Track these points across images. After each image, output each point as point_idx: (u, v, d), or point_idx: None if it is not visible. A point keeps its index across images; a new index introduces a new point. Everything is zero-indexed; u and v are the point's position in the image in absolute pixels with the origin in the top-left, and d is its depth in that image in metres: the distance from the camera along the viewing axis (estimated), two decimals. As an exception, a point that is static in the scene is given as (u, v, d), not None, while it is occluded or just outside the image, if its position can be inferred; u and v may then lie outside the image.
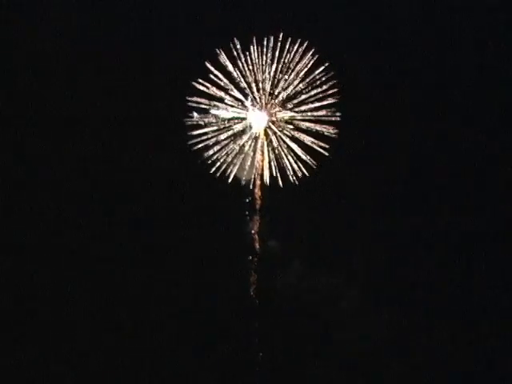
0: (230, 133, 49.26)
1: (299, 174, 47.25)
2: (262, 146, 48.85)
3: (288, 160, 47.91)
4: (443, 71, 41.58)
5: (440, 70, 41.61)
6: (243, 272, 43.56)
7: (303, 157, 47.37)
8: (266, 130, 49.21)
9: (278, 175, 47.48)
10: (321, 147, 46.82)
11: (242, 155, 48.41)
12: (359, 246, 41.62)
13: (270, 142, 49.18)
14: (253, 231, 48.07)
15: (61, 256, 40.66)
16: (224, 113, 49.22)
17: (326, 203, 45.04)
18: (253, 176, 47.99)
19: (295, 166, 47.42)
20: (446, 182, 41.30)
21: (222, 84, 48.36)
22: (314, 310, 41.30)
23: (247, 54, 48.06)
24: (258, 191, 48.57)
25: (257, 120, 49.21)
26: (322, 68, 47.63)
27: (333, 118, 47.61)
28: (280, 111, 48.99)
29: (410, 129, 41.90)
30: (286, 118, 48.87)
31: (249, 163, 48.01)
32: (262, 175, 48.30)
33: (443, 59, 41.58)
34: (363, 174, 42.48)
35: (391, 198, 41.48)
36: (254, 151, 48.48)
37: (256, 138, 48.99)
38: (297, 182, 47.14)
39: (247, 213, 47.82)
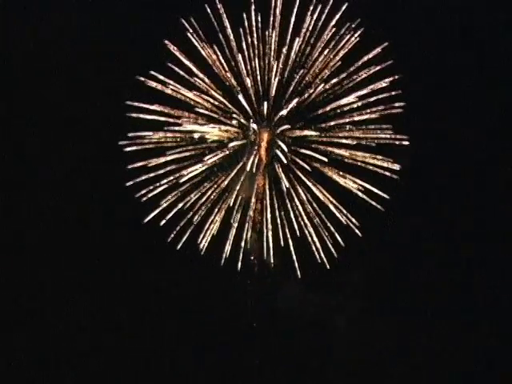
0: (194, 168, 30.41)
1: (332, 249, 30.59)
2: (264, 177, 31.31)
3: (311, 222, 30.87)
4: (443, 71, 41.52)
5: (440, 70, 41.55)
6: (241, 296, 39.80)
7: (339, 216, 30.16)
8: (267, 154, 30.90)
9: (292, 249, 31.07)
10: (372, 196, 29.45)
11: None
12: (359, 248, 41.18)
13: (273, 181, 31.44)
14: (252, 257, 35.04)
15: (61, 256, 40.70)
16: (194, 128, 30.00)
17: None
18: (252, 198, 32.34)
19: (321, 229, 30.48)
20: (446, 182, 41.22)
21: (192, 79, 30.08)
22: (314, 323, 40.36)
23: (238, 27, 28.77)
24: (257, 216, 32.98)
25: (253, 144, 30.88)
26: (376, 51, 29.11)
27: (396, 142, 29.43)
28: (295, 129, 30.32)
29: (409, 129, 41.78)
30: (304, 138, 30.15)
31: (247, 183, 31.85)
32: (262, 199, 32.66)
33: (443, 59, 41.54)
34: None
35: (391, 197, 41.36)
36: (252, 173, 31.46)
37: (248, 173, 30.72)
38: (327, 265, 31.31)
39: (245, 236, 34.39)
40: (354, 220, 31.61)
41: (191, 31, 30.62)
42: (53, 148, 41.55)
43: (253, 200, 32.32)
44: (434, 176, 41.42)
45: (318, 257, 32.03)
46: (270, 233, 33.41)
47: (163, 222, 32.03)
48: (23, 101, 41.66)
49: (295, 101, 30.27)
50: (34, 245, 40.65)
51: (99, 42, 41.40)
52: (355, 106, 30.62)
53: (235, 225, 32.83)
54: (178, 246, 32.59)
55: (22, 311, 39.93)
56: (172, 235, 32.03)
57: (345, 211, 31.34)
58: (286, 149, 30.78)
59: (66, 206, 41.31)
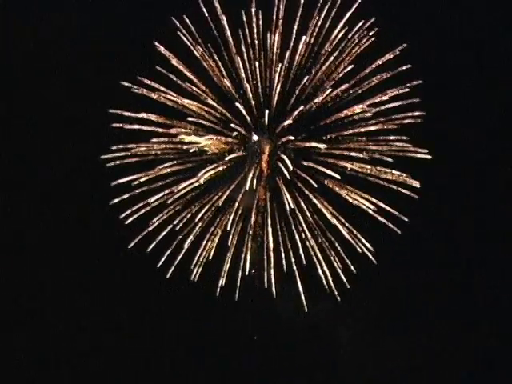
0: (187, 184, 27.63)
1: (344, 280, 27.42)
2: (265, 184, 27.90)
3: (318, 244, 27.57)
4: (443, 71, 41.46)
5: (440, 70, 41.49)
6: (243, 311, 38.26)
7: (352, 242, 27.04)
8: (268, 166, 27.51)
9: (297, 277, 27.99)
10: (382, 213, 25.75)
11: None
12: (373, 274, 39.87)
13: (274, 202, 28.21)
14: (253, 271, 32.07)
15: (61, 256, 40.69)
16: (192, 139, 27.16)
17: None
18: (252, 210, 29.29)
19: (330, 254, 27.16)
20: (446, 182, 41.19)
21: (189, 88, 27.30)
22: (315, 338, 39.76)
23: (238, 28, 25.93)
24: (258, 230, 30.30)
25: (253, 156, 27.97)
26: (393, 54, 26.48)
27: (417, 155, 26.00)
28: (298, 140, 27.08)
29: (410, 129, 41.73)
30: (309, 150, 26.84)
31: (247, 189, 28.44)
32: (263, 213, 29.66)
33: (443, 59, 41.48)
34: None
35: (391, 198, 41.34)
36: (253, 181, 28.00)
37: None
38: (338, 297, 28.48)
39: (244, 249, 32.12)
40: (369, 246, 28.93)
41: (191, 40, 28.57)
42: (53, 148, 41.55)
43: (253, 212, 29.59)
44: (434, 176, 41.39)
45: (327, 287, 29.28)
46: (271, 244, 30.76)
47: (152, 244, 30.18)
48: (23, 101, 41.64)
49: (299, 109, 27.35)
50: (34, 245, 40.65)
51: (99, 42, 41.37)
52: (367, 115, 27.92)
53: (235, 236, 30.15)
54: (168, 274, 30.97)
55: (21, 311, 39.94)
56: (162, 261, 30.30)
57: (358, 234, 28.59)
58: (288, 162, 27.63)
59: (65, 205, 41.31)
